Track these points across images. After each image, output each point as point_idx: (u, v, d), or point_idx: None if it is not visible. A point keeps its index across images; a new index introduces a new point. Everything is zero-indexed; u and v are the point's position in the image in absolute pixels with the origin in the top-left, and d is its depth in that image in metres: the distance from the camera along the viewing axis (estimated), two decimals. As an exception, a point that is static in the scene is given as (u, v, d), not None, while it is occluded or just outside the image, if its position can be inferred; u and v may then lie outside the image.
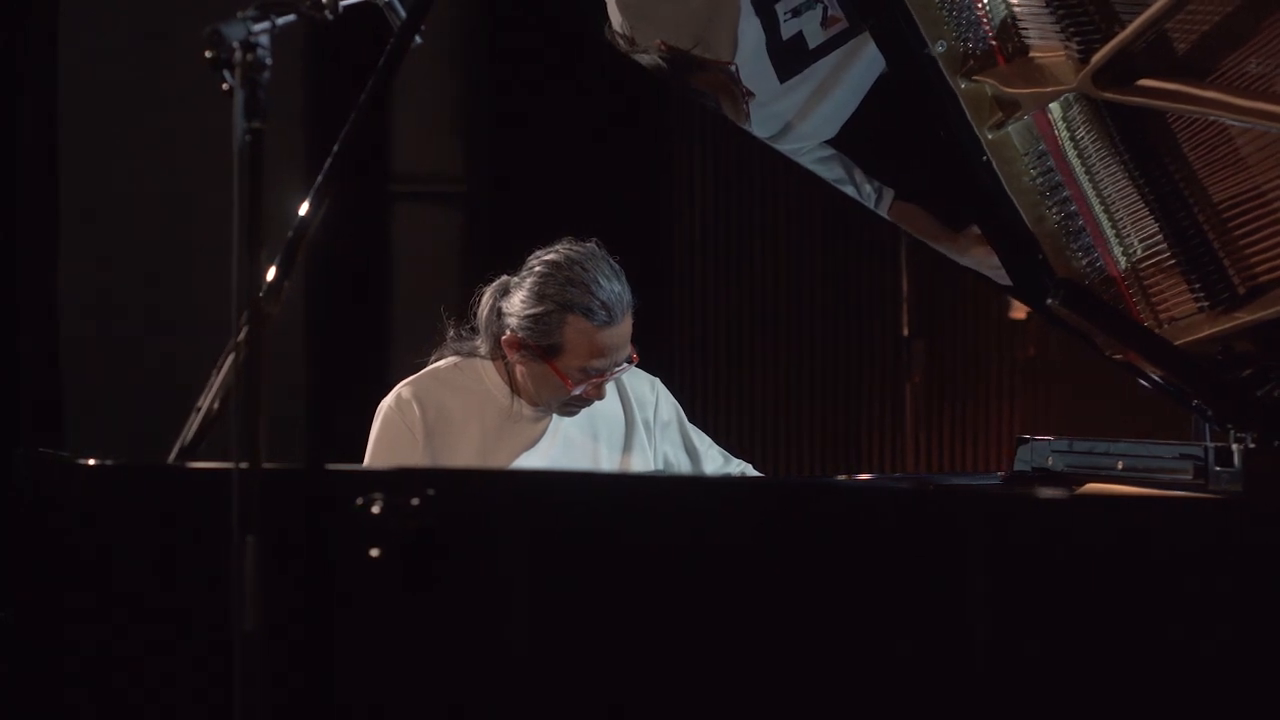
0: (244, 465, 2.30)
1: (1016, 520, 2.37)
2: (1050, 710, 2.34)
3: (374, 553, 2.38)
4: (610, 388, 3.64)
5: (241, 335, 2.38)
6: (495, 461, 3.57)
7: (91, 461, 2.58)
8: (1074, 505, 2.52)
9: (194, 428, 2.69)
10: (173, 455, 2.69)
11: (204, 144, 5.67)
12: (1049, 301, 3.17)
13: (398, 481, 2.43)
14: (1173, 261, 3.18)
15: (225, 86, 2.37)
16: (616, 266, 3.56)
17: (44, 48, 5.50)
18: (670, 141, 6.41)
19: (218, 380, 2.70)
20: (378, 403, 3.69)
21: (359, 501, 2.40)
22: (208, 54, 2.34)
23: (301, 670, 2.43)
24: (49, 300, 5.51)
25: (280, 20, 2.41)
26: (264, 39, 2.34)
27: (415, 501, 2.40)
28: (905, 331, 6.27)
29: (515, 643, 2.42)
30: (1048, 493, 2.82)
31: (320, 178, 2.75)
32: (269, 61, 2.34)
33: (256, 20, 2.35)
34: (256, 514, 2.30)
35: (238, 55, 2.33)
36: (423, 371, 3.68)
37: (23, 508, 2.71)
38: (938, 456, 6.47)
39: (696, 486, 2.69)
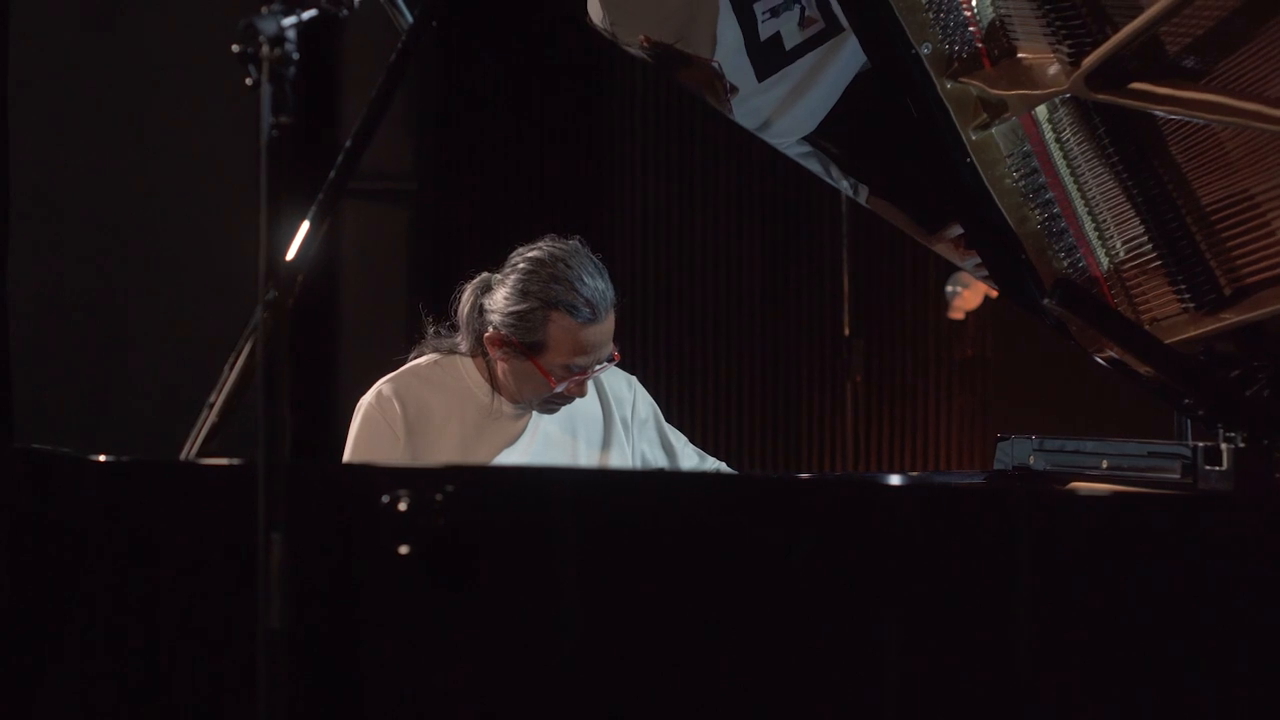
0: (267, 461, 2.29)
1: (1066, 518, 2.39)
2: (1089, 710, 2.36)
3: (403, 550, 2.37)
4: (589, 385, 3.64)
5: (261, 329, 2.36)
6: (476, 459, 3.57)
7: (103, 458, 2.55)
8: (1126, 503, 2.54)
9: (207, 424, 2.67)
10: (186, 451, 2.67)
11: (164, 138, 5.64)
12: (1045, 301, 3.20)
13: (423, 478, 2.42)
14: (1158, 263, 3.20)
15: (249, 81, 2.35)
16: (599, 264, 3.57)
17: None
18: (613, 142, 6.43)
19: (232, 376, 2.68)
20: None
21: (385, 498, 2.39)
22: (235, 48, 2.31)
23: (326, 668, 2.42)
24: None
25: (305, 15, 2.39)
26: (291, 33, 2.33)
27: (439, 498, 2.40)
28: (846, 331, 6.31)
29: (549, 639, 2.42)
30: (1092, 490, 2.85)
31: (333, 173, 2.74)
32: (296, 56, 2.32)
33: (285, 14, 2.33)
34: (282, 510, 2.28)
35: (265, 50, 2.31)
36: (403, 368, 3.67)
37: (21, 506, 2.68)
38: (877, 454, 6.52)
39: (734, 484, 2.69)
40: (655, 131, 6.46)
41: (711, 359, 6.52)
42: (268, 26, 2.29)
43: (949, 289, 6.29)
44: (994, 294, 6.22)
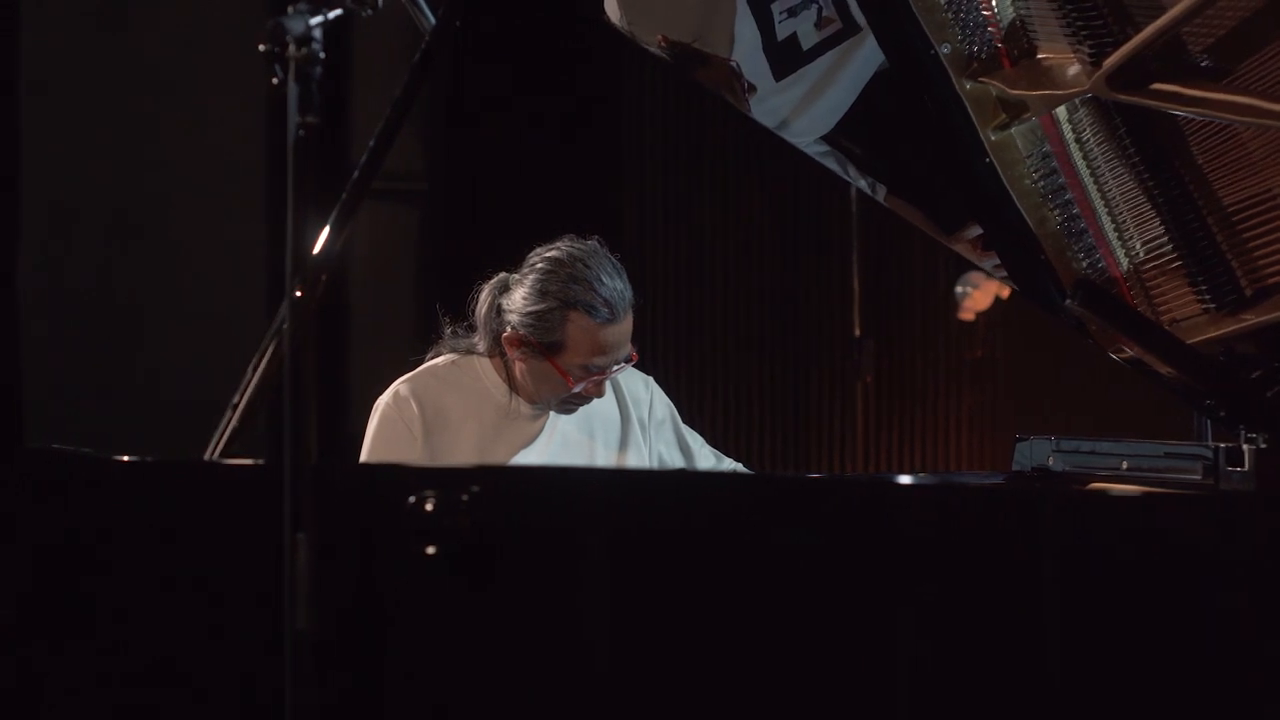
0: (293, 461, 2.28)
1: (1097, 518, 2.39)
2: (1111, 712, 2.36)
3: (430, 550, 2.37)
4: (606, 386, 3.63)
5: (287, 328, 2.36)
6: (493, 459, 3.56)
7: (126, 458, 2.54)
8: (1157, 503, 2.54)
9: (231, 424, 2.66)
10: (210, 452, 2.66)
11: (175, 137, 5.64)
12: (1067, 302, 3.19)
13: (448, 478, 2.42)
14: (1177, 263, 3.20)
15: (275, 81, 2.34)
16: (618, 264, 3.56)
17: (6, 35, 5.45)
18: (624, 142, 6.43)
19: (255, 377, 2.67)
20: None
21: (411, 499, 2.39)
22: (261, 48, 2.30)
23: (353, 669, 2.41)
24: (8, 294, 5.45)
25: (331, 14, 2.38)
26: (318, 33, 2.32)
27: (465, 498, 2.39)
28: (857, 332, 6.31)
29: (574, 638, 2.42)
30: (1125, 490, 2.85)
31: (357, 173, 2.73)
32: (323, 55, 2.32)
33: (312, 14, 2.32)
34: (308, 511, 2.28)
35: (291, 49, 2.31)
36: (420, 369, 3.66)
37: (40, 506, 2.66)
38: (887, 455, 6.52)
39: (759, 485, 2.68)
40: (666, 133, 6.46)
41: (722, 359, 6.52)
42: (295, 26, 2.28)
43: (958, 290, 6.30)
44: (1004, 294, 6.22)
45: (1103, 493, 2.85)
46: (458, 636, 2.41)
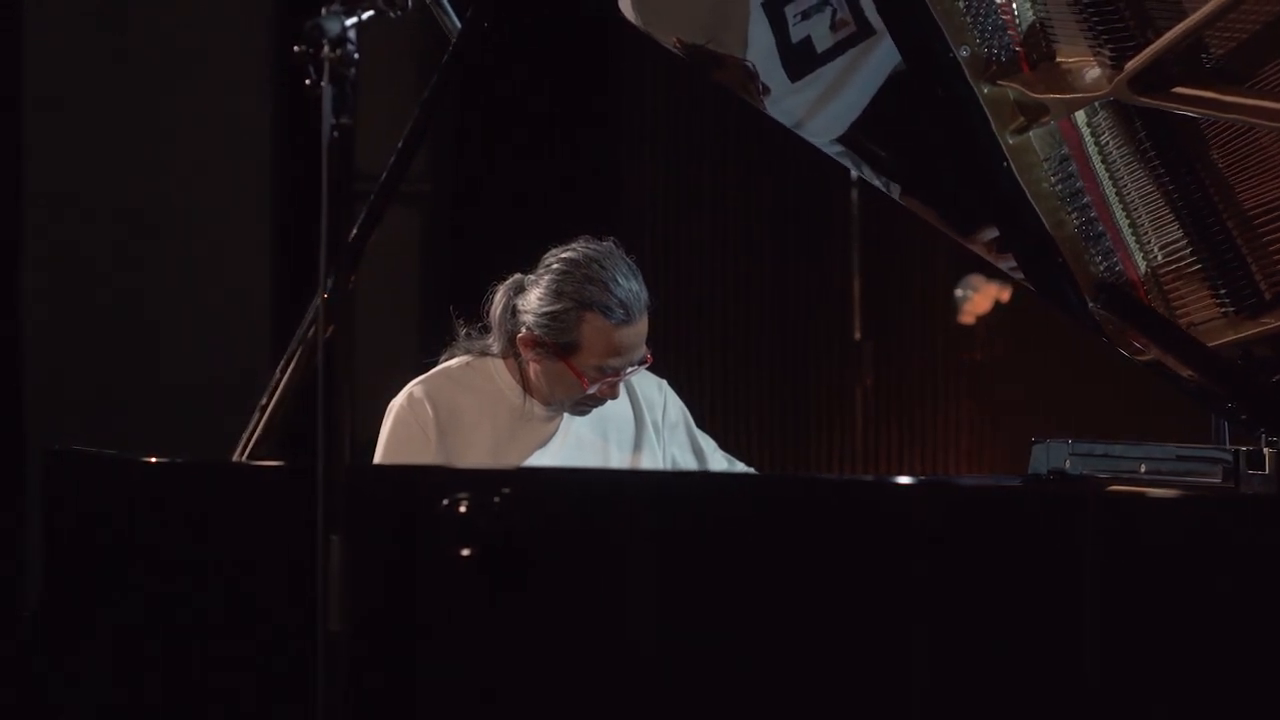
0: (326, 463, 2.28)
1: (1133, 519, 2.39)
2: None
3: (465, 552, 2.36)
4: (620, 388, 3.63)
5: (318, 331, 2.35)
6: (507, 461, 3.55)
7: (154, 459, 2.54)
8: (1197, 505, 2.54)
9: (259, 426, 2.65)
10: (238, 454, 2.65)
11: (178, 136, 5.63)
12: (1091, 305, 3.19)
13: (478, 480, 2.42)
14: (1196, 266, 3.19)
15: (308, 81, 2.34)
16: (633, 266, 3.56)
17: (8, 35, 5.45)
18: (624, 147, 6.42)
19: (283, 380, 2.66)
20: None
21: (445, 501, 2.38)
22: (296, 49, 2.30)
23: (386, 671, 2.41)
24: (11, 290, 5.45)
25: (364, 15, 2.38)
26: (353, 34, 2.32)
27: (496, 500, 2.39)
28: (856, 335, 6.31)
29: (602, 639, 2.42)
30: (1159, 493, 2.84)
31: (384, 174, 2.73)
32: (357, 56, 2.32)
33: (347, 15, 2.32)
34: (341, 513, 2.27)
35: (326, 50, 2.30)
36: (434, 370, 3.65)
37: (62, 507, 2.66)
38: (886, 458, 6.52)
39: (800, 487, 2.68)
40: (666, 137, 6.46)
41: (721, 362, 6.52)
42: (332, 27, 2.28)
43: (958, 293, 6.31)
44: (1004, 298, 6.24)
45: (1143, 494, 2.84)
46: (492, 638, 2.41)
